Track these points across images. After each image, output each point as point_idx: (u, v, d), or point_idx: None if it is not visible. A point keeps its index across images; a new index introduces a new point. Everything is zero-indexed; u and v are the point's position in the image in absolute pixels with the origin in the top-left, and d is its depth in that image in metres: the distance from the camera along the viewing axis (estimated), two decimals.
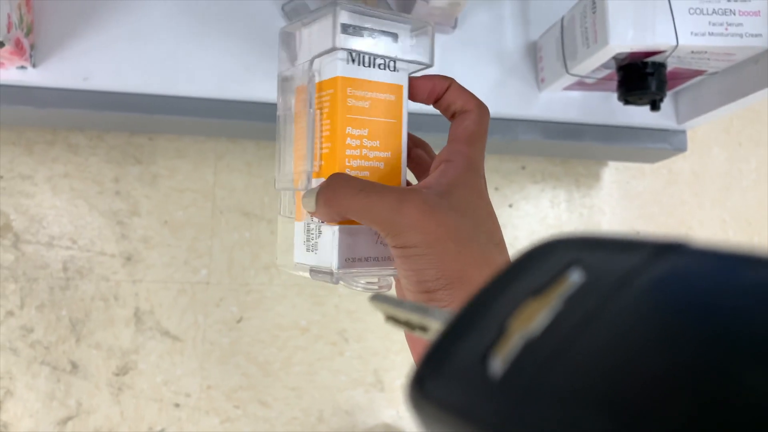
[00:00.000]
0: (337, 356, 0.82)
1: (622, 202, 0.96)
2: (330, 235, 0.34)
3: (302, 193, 0.35)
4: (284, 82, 0.38)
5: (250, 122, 0.67)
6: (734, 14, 0.59)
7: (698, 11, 0.58)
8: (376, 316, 0.82)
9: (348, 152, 0.34)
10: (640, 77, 0.62)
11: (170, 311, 0.78)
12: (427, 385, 0.14)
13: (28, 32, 0.59)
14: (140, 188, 0.79)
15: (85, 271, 0.76)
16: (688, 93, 0.75)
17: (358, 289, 0.35)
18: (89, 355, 0.75)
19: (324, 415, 0.81)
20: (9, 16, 0.54)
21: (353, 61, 0.34)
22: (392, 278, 0.36)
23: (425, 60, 0.37)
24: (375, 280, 0.36)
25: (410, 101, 0.37)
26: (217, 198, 0.81)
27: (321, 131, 0.35)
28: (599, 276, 0.14)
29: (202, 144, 0.81)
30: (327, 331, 0.82)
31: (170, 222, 0.79)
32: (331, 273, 0.34)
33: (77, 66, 0.63)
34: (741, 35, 0.59)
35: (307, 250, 0.36)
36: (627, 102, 0.65)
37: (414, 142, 0.38)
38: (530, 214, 0.91)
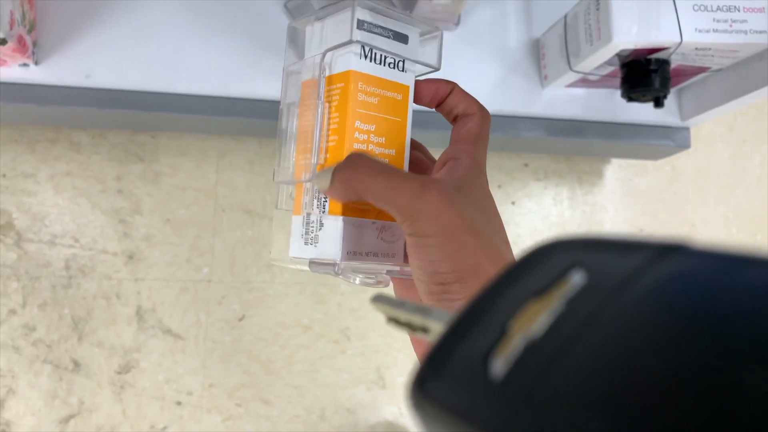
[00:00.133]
0: (339, 354, 0.82)
1: (625, 200, 0.96)
2: (334, 226, 0.34)
3: (304, 185, 0.35)
4: (290, 76, 0.39)
5: (252, 120, 0.67)
6: (739, 11, 0.58)
7: (702, 8, 0.58)
8: (378, 314, 0.82)
9: (355, 146, 0.34)
10: (644, 74, 0.62)
11: (172, 309, 0.78)
12: (429, 386, 0.14)
13: (31, 29, 0.59)
14: (142, 186, 0.79)
15: (87, 269, 0.76)
16: (691, 90, 0.74)
17: (356, 283, 0.35)
18: (91, 353, 0.75)
19: (326, 413, 0.81)
20: (11, 13, 0.54)
21: (366, 57, 0.35)
22: (389, 277, 0.36)
23: (433, 63, 0.38)
24: (373, 276, 0.36)
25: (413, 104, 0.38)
26: (219, 196, 0.81)
27: (328, 124, 0.35)
28: (601, 277, 0.14)
29: (205, 142, 0.81)
30: (329, 329, 0.82)
31: (172, 220, 0.79)
32: (333, 264, 0.33)
33: (80, 63, 0.63)
34: (745, 32, 0.59)
35: (306, 243, 0.36)
36: (630, 99, 0.65)
37: (411, 144, 0.39)
38: (533, 212, 0.91)
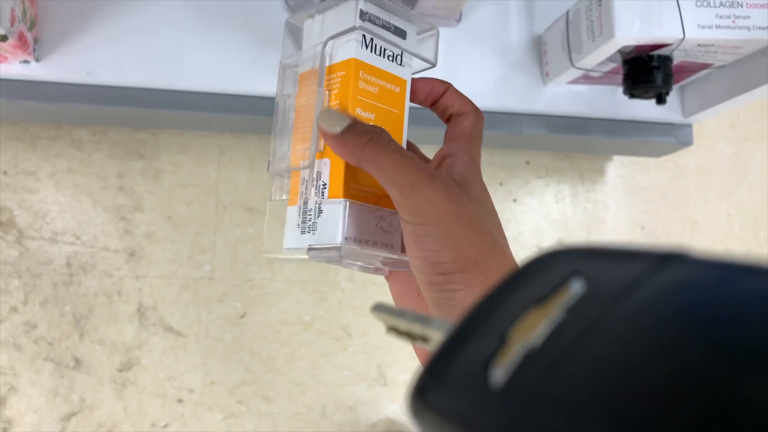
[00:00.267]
0: (341, 351, 0.82)
1: (627, 197, 0.95)
2: (335, 209, 0.34)
3: (301, 174, 0.36)
4: (287, 69, 0.39)
5: (254, 117, 0.67)
6: (742, 6, 0.58)
7: (705, 3, 0.58)
8: None
9: None
10: (646, 70, 0.62)
11: (173, 307, 0.78)
12: (429, 394, 0.14)
13: (32, 26, 0.59)
14: (143, 184, 0.79)
15: (88, 266, 0.76)
16: (694, 86, 0.74)
17: (355, 269, 0.35)
18: (92, 350, 0.75)
19: (327, 411, 0.81)
20: (12, 10, 0.54)
21: (366, 47, 0.35)
22: (386, 268, 0.36)
23: (430, 58, 0.38)
24: (371, 264, 0.36)
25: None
26: (220, 193, 0.81)
27: None
28: (600, 286, 0.14)
29: (206, 139, 0.81)
30: (330, 326, 0.82)
31: (173, 217, 0.79)
32: (335, 248, 0.33)
33: (81, 60, 0.62)
34: (748, 28, 0.58)
35: (303, 232, 0.35)
36: (632, 96, 0.65)
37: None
38: (534, 209, 0.91)
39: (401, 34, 0.37)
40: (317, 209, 0.35)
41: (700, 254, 0.14)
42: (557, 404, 0.12)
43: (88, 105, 0.64)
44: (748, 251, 0.99)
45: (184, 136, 0.80)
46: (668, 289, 0.13)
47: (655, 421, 0.11)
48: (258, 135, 0.82)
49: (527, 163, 0.91)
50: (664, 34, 0.58)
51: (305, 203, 0.36)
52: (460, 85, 0.38)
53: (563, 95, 0.73)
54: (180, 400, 0.77)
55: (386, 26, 0.36)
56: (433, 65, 0.38)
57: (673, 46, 0.60)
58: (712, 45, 0.60)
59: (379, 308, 0.20)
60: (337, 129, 0.32)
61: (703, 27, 0.58)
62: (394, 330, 0.20)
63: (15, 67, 0.61)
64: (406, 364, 0.84)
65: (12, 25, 0.54)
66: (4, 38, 0.54)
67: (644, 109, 0.75)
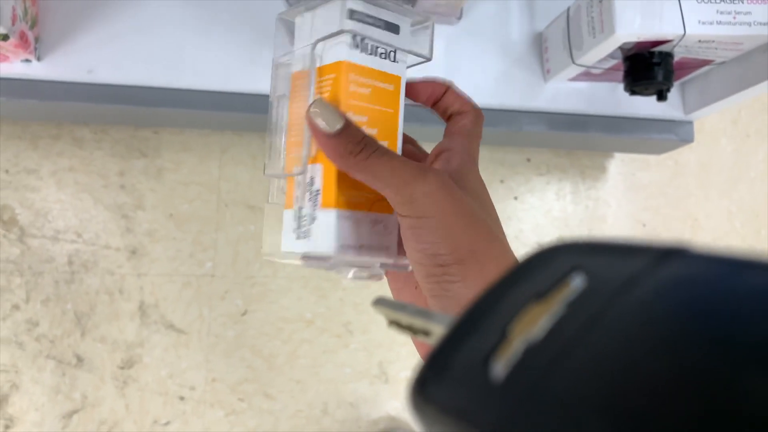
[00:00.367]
0: (342, 349, 0.82)
1: (627, 194, 0.95)
2: (327, 219, 0.33)
3: (295, 178, 0.35)
4: (279, 68, 0.38)
5: (255, 115, 0.67)
6: (743, 2, 0.58)
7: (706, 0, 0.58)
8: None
9: None
10: (647, 67, 0.62)
11: (175, 304, 0.78)
12: (430, 388, 0.14)
13: (33, 25, 0.59)
14: (145, 182, 0.79)
15: (90, 264, 0.76)
16: (695, 83, 0.74)
17: (348, 277, 0.34)
18: (94, 348, 0.75)
19: (329, 408, 0.81)
20: (13, 9, 0.54)
21: (357, 47, 0.34)
22: (383, 270, 0.36)
23: (425, 53, 0.37)
24: (366, 270, 0.35)
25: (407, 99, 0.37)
26: (222, 191, 0.81)
27: None
28: (601, 281, 0.14)
29: (207, 137, 0.81)
30: (332, 323, 0.82)
31: (175, 215, 0.79)
32: (327, 259, 0.33)
33: (82, 59, 0.62)
34: (749, 24, 0.58)
35: (297, 237, 0.35)
36: (633, 92, 0.65)
37: (403, 138, 0.39)
38: (535, 207, 0.91)
39: (394, 29, 0.36)
40: (311, 216, 0.34)
41: (700, 249, 0.13)
42: (558, 399, 0.12)
43: (89, 103, 0.64)
44: (749, 249, 0.99)
45: (186, 135, 0.80)
46: (669, 285, 0.13)
47: (656, 416, 0.11)
48: (259, 133, 0.82)
49: (528, 160, 0.91)
50: (664, 31, 0.58)
51: (300, 209, 0.35)
52: (460, 82, 0.37)
53: (564, 92, 0.73)
54: (182, 398, 0.77)
55: (377, 24, 0.35)
56: (428, 59, 0.37)
57: (674, 43, 0.60)
58: (713, 41, 0.60)
59: (380, 302, 0.20)
60: (329, 129, 0.32)
61: (703, 23, 0.58)
62: (395, 324, 0.20)
63: (16, 66, 0.61)
64: (407, 361, 0.84)
65: (13, 24, 0.54)
66: (5, 37, 0.54)
67: (645, 105, 0.75)
